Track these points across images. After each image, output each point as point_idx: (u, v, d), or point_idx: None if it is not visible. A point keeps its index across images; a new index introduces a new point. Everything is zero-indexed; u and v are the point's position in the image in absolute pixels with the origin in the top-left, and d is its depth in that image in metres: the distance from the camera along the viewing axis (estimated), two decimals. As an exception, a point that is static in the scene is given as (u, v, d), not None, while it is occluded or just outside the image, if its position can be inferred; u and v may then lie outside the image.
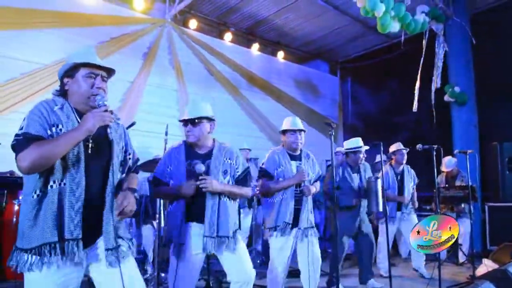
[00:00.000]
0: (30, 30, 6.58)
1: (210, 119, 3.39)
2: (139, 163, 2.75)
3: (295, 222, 4.12)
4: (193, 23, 8.87)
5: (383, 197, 5.13)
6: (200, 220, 3.18)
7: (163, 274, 5.26)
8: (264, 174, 4.24)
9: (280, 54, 10.84)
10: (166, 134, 4.95)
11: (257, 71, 10.12)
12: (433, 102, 8.39)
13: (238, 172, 3.42)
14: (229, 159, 3.40)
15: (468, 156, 5.77)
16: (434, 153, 5.03)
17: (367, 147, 5.41)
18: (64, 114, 2.22)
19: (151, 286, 4.94)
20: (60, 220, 2.11)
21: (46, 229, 2.08)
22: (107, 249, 2.27)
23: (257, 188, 4.35)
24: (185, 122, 3.35)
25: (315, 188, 4.36)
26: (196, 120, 3.31)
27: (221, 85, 9.25)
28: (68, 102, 2.29)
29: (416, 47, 8.29)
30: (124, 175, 2.55)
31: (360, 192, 5.41)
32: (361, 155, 5.44)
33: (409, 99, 8.52)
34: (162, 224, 5.11)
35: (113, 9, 7.72)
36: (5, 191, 4.70)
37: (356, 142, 5.44)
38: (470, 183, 5.98)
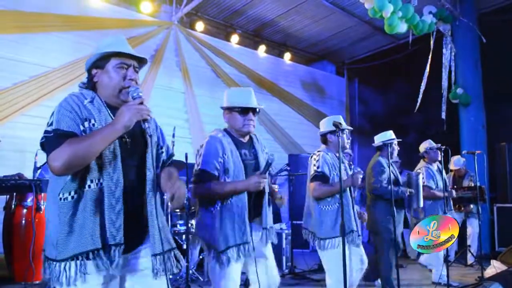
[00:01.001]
0: (38, 34, 6.64)
1: None
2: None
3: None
4: (199, 26, 8.90)
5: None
6: (253, 218, 2.99)
7: (170, 276, 5.27)
8: (321, 178, 3.79)
9: (287, 56, 10.84)
10: (174, 136, 4.97)
11: (264, 73, 10.13)
12: (444, 103, 8.37)
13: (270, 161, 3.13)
14: (265, 148, 3.28)
15: (476, 157, 5.72)
16: (442, 153, 5.00)
17: (399, 139, 5.10)
18: (95, 108, 1.99)
19: None
20: (102, 224, 1.89)
21: (86, 235, 1.85)
22: (154, 255, 2.06)
23: (311, 192, 3.87)
24: (245, 111, 3.04)
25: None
26: (257, 110, 3.12)
27: (228, 87, 9.22)
28: (98, 95, 2.06)
29: (423, 47, 8.27)
30: (159, 170, 2.28)
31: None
32: (396, 148, 5.12)
33: (416, 99, 8.51)
34: (170, 226, 5.12)
35: (121, 12, 7.77)
36: (14, 194, 4.73)
37: (390, 134, 5.12)
38: (478, 184, 5.94)
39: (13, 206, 4.70)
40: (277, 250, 6.62)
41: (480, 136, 8.38)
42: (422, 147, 6.11)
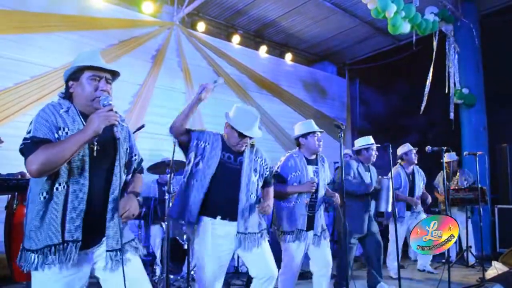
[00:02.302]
0: (40, 34, 6.65)
1: None
2: (149, 165, 2.75)
3: (310, 227, 4.11)
4: (201, 26, 8.91)
5: (392, 197, 5.09)
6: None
7: (172, 276, 5.28)
8: (278, 178, 4.16)
9: (288, 56, 10.85)
10: (175, 136, 4.95)
11: (265, 73, 10.12)
12: (451, 103, 8.38)
13: (267, 172, 3.62)
14: (259, 158, 3.58)
15: (477, 158, 5.74)
16: (444, 155, 5.01)
17: (378, 145, 5.35)
18: (70, 117, 2.24)
19: (160, 287, 4.95)
20: (63, 222, 2.13)
21: (51, 231, 2.11)
22: (108, 250, 2.29)
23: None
24: (243, 135, 3.39)
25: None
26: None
27: (229, 88, 9.26)
28: (74, 105, 2.30)
29: (425, 48, 8.27)
30: (129, 176, 2.57)
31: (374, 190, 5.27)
32: (373, 152, 5.34)
33: (417, 101, 8.51)
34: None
35: (122, 13, 7.78)
36: (16, 194, 4.72)
37: (367, 139, 5.39)
38: (479, 185, 5.95)
39: (14, 205, 4.69)
40: (277, 251, 6.64)
41: (481, 137, 8.38)
42: (400, 150, 6.46)
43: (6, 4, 6.30)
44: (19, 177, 4.69)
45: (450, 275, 4.58)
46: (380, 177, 5.41)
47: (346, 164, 5.17)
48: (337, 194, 4.25)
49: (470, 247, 6.94)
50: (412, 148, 6.32)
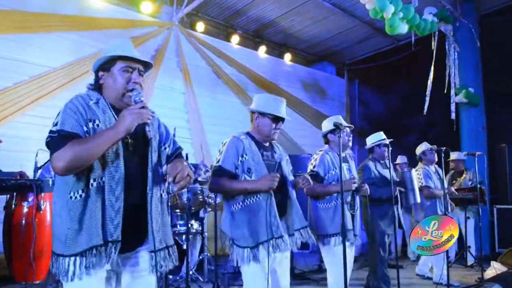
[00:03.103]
0: (39, 34, 6.64)
1: None
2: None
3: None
4: (200, 26, 8.90)
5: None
6: (280, 216, 3.07)
7: (170, 276, 5.28)
8: (315, 177, 3.94)
9: (287, 57, 10.85)
10: (174, 136, 4.93)
11: (264, 74, 10.13)
12: (452, 102, 8.39)
13: (290, 167, 3.39)
14: (285, 153, 3.42)
15: (476, 158, 5.74)
16: (443, 155, 5.00)
17: (391, 139, 5.02)
18: (100, 109, 2.08)
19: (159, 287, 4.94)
20: (102, 221, 1.98)
21: (93, 231, 1.95)
22: (151, 252, 2.12)
23: (306, 190, 3.95)
24: (276, 119, 3.18)
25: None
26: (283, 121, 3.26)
27: (228, 88, 9.27)
28: (103, 97, 2.15)
29: (424, 48, 8.27)
30: (165, 167, 2.32)
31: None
32: (386, 148, 5.02)
33: (416, 101, 8.52)
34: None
35: (121, 13, 7.77)
36: (15, 194, 4.72)
37: (379, 135, 5.15)
38: (479, 185, 5.96)
39: (13, 205, 4.69)
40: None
41: (481, 137, 8.38)
42: (418, 149, 6.20)
43: (6, 4, 6.29)
44: (18, 177, 4.69)
45: (449, 275, 4.59)
46: (401, 170, 5.26)
47: (365, 168, 4.99)
48: (366, 185, 4.10)
49: (469, 247, 6.94)
50: (429, 146, 6.00)
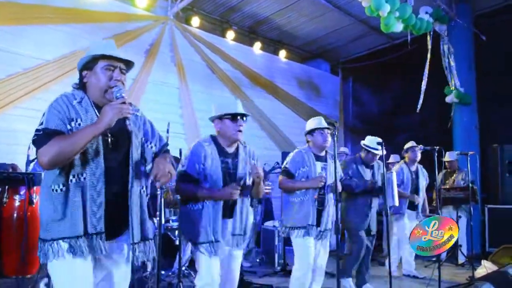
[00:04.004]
0: (33, 26, 6.57)
1: None
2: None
3: (318, 223, 4.11)
4: (195, 21, 8.87)
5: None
6: (229, 216, 3.25)
7: (163, 272, 5.27)
8: (286, 173, 4.20)
9: (282, 53, 10.84)
10: (168, 132, 4.92)
11: (259, 70, 10.12)
12: (451, 102, 8.42)
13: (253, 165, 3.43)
14: (252, 159, 3.45)
15: (468, 158, 5.78)
16: (435, 154, 5.02)
17: (384, 152, 5.02)
18: (83, 108, 2.21)
19: (151, 283, 4.93)
20: (84, 215, 2.12)
21: (74, 222, 2.10)
22: (131, 244, 2.28)
23: (279, 184, 4.30)
24: (235, 117, 3.25)
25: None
26: (245, 118, 3.30)
27: (223, 83, 9.25)
28: (87, 96, 2.27)
29: (419, 47, 8.29)
30: (150, 165, 2.45)
31: (373, 187, 5.17)
32: (377, 158, 5.31)
33: (410, 99, 8.54)
34: (163, 221, 5.10)
35: (116, 6, 7.71)
36: (6, 187, 4.68)
37: (374, 143, 5.17)
38: (470, 185, 5.99)
39: (4, 199, 4.65)
40: (270, 248, 6.67)
41: (473, 137, 8.43)
42: (405, 146, 6.37)
43: (-1, -5, 6.23)
44: (10, 169, 4.65)
45: (441, 274, 4.61)
46: (382, 172, 5.31)
47: (347, 164, 5.29)
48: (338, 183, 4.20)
49: (461, 246, 6.99)
50: (415, 145, 6.20)
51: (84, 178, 2.14)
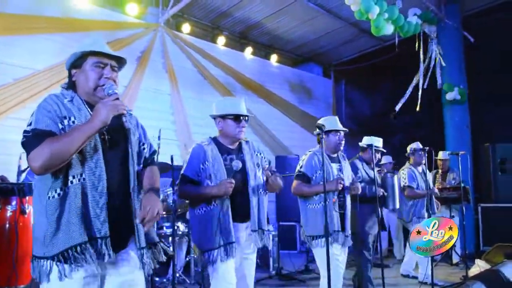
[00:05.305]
0: (23, 36, 6.57)
1: None
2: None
3: (342, 228, 3.96)
4: (186, 27, 8.89)
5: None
6: (242, 219, 3.17)
7: (157, 278, 5.27)
8: (302, 178, 4.00)
9: (273, 58, 10.88)
10: (159, 138, 4.94)
11: (251, 75, 10.16)
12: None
13: (266, 164, 3.43)
14: (257, 152, 3.45)
15: (460, 157, 5.80)
16: (426, 154, 5.04)
17: (384, 150, 5.16)
18: (75, 106, 2.05)
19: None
20: (87, 218, 1.94)
21: (73, 230, 1.90)
22: (140, 248, 2.12)
23: (293, 190, 4.06)
24: (238, 118, 3.28)
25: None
26: (247, 118, 3.34)
27: (215, 89, 9.26)
28: (78, 95, 2.11)
29: (409, 49, 8.34)
30: (141, 167, 2.33)
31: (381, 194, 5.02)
32: (378, 155, 5.15)
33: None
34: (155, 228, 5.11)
35: (107, 15, 7.73)
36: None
37: (378, 141, 5.15)
38: (462, 184, 6.01)
39: (-4, 209, 4.63)
40: (264, 252, 6.67)
41: (465, 136, 8.46)
42: (409, 148, 6.21)
43: (-12, 6, 6.22)
44: (0, 181, 4.64)
45: (434, 274, 4.63)
46: (384, 174, 5.27)
47: (353, 166, 4.92)
48: (357, 184, 4.10)
49: (454, 245, 6.99)
50: (420, 147, 5.92)
51: (84, 179, 1.96)
